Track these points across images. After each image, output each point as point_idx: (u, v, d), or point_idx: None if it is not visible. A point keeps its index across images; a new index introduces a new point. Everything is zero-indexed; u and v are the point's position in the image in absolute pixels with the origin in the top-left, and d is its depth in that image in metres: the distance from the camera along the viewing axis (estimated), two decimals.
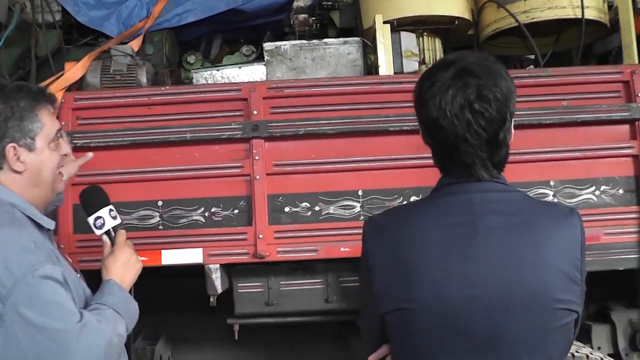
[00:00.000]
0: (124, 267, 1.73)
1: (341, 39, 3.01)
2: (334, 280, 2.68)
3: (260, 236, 2.53)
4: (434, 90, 1.29)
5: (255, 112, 2.58)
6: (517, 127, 1.40)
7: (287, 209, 2.57)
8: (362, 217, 2.56)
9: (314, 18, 3.23)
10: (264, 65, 2.94)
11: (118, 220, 1.85)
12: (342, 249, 2.53)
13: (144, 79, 2.81)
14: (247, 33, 3.59)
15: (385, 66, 2.76)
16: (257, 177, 2.56)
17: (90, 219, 1.80)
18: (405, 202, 2.54)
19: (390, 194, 2.57)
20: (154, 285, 2.72)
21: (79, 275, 1.75)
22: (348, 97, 2.61)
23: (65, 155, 1.77)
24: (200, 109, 2.61)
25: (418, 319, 1.28)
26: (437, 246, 1.28)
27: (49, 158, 1.69)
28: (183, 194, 2.57)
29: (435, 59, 3.00)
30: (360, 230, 2.36)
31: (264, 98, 2.60)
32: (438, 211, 1.34)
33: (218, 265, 2.53)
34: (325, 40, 3.00)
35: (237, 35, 3.63)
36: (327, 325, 3.10)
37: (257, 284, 2.71)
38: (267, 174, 2.57)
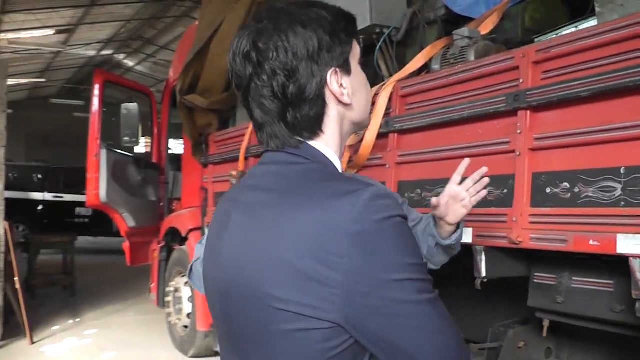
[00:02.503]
0: None
1: None
2: (622, 284, 2.15)
3: (514, 219, 2.31)
4: (235, 38, 1.18)
5: (521, 81, 2.35)
6: None
7: (548, 190, 2.25)
8: (623, 202, 2.00)
9: None
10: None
11: None
12: (590, 242, 2.05)
13: (472, 58, 2.89)
14: None
15: None
16: (519, 153, 2.33)
17: None
18: None
19: None
20: None
21: None
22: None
23: None
24: (477, 85, 2.57)
25: None
26: (216, 222, 1.23)
27: None
28: None
29: None
30: (617, 221, 1.97)
31: (533, 63, 2.34)
32: (240, 182, 1.26)
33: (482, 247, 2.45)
34: None
35: None
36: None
37: (552, 275, 2.44)
38: (530, 149, 2.31)
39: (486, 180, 1.90)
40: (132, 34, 16.58)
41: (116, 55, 19.30)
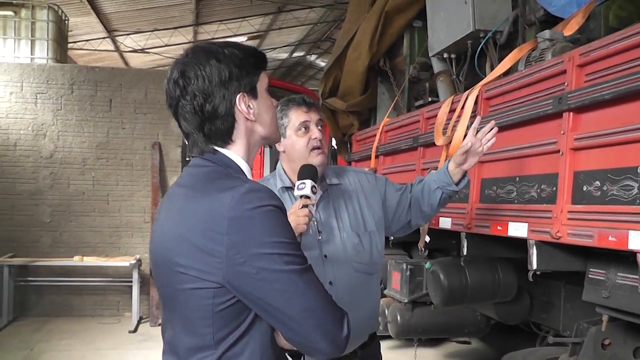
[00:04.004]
0: None
1: None
2: None
3: (555, 215, 2.50)
4: (169, 68, 1.50)
5: (566, 84, 2.53)
6: None
7: (584, 188, 2.42)
8: (638, 201, 2.14)
9: None
10: None
11: (307, 193, 2.02)
12: (610, 238, 2.21)
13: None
14: None
15: None
16: (562, 152, 2.52)
17: (297, 182, 2.07)
18: None
19: None
20: None
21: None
22: None
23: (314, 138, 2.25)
24: (535, 89, 2.77)
25: None
26: (158, 209, 1.59)
27: (297, 140, 2.27)
28: None
29: None
30: (631, 218, 2.19)
31: (577, 66, 2.51)
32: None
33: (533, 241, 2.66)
34: None
35: None
36: None
37: (602, 271, 2.59)
38: (571, 149, 2.49)
39: (495, 130, 2.30)
40: (320, 35, 17.62)
41: (308, 57, 20.55)
